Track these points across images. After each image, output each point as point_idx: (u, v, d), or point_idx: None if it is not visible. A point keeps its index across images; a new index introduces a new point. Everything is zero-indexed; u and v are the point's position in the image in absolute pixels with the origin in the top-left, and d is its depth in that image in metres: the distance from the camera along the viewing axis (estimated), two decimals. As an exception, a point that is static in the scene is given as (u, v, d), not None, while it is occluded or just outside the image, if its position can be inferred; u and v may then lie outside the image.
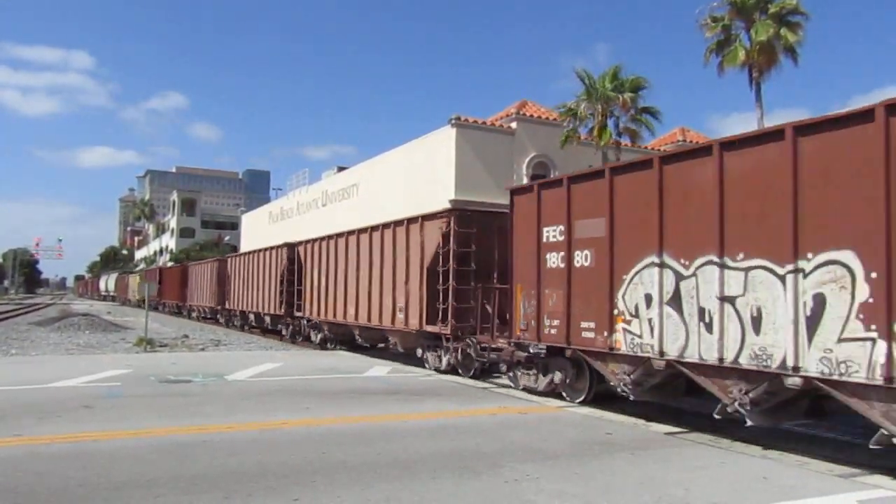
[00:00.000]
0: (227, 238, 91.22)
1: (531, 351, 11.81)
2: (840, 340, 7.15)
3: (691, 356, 8.79)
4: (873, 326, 6.85)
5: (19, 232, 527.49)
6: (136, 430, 8.58)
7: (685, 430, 9.29)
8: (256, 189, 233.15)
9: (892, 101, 6.94)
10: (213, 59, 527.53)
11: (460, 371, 14.85)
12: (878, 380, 6.76)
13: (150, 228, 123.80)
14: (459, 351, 14.67)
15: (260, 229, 50.70)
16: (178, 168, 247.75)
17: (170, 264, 70.10)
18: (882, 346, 6.75)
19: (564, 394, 11.52)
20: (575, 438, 8.64)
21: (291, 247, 25.07)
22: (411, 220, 16.53)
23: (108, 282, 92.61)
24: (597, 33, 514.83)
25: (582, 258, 10.76)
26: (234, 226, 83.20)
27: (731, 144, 8.57)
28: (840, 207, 7.29)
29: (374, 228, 18.46)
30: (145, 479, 6.31)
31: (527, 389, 12.23)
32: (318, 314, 21.99)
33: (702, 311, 8.67)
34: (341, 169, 40.75)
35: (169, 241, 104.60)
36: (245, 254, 32.54)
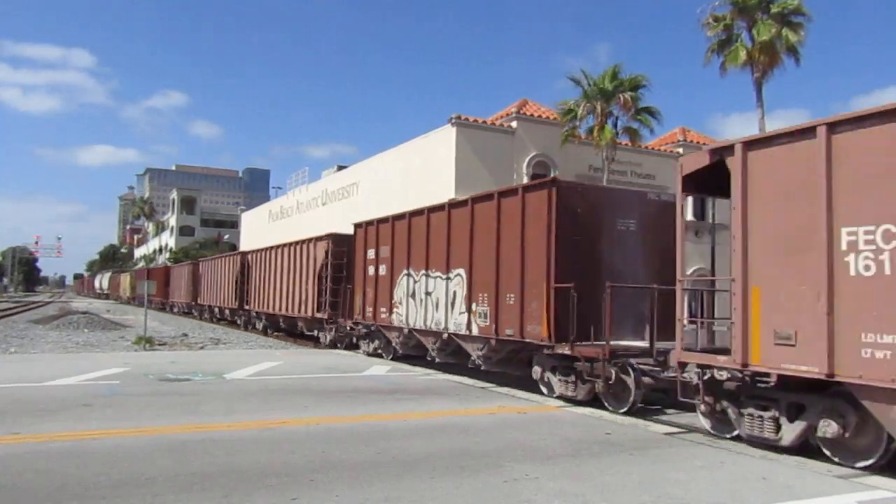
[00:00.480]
0: (226, 237, 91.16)
1: (363, 329, 18.93)
2: (460, 314, 14.15)
3: (415, 324, 16.03)
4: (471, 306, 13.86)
5: (19, 230, 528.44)
6: (135, 428, 8.58)
7: (684, 429, 9.30)
8: (256, 188, 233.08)
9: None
10: (214, 57, 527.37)
11: (338, 344, 21.35)
12: (475, 332, 13.64)
13: (150, 227, 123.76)
14: (335, 329, 21.33)
15: (260, 228, 50.71)
16: (178, 166, 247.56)
17: (171, 263, 70.37)
18: (467, 316, 13.94)
19: (382, 354, 18.20)
20: (574, 438, 8.64)
21: (243, 254, 32.15)
22: (307, 241, 23.83)
23: (102, 280, 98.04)
24: (598, 33, 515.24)
25: (382, 269, 17.65)
26: (234, 224, 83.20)
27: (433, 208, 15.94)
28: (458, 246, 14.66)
29: (294, 244, 25.22)
30: (144, 477, 6.30)
31: (365, 353, 18.98)
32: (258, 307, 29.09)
33: (421, 300, 15.82)
34: (341, 168, 40.75)
35: (168, 240, 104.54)
36: (208, 259, 39.87)
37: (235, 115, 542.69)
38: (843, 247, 7.19)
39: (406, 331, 16.30)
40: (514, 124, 29.18)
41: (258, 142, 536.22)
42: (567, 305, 11.00)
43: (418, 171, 29.78)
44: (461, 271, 14.13)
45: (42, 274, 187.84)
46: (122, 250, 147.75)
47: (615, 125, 28.85)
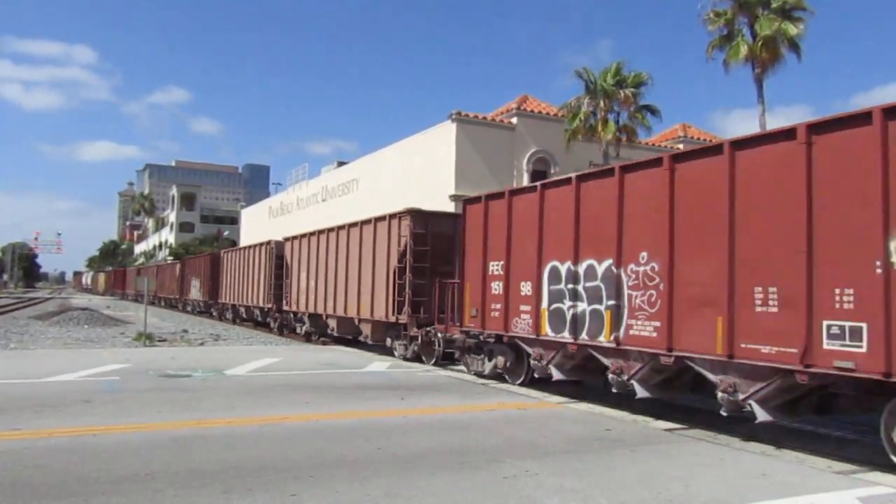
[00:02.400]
0: (226, 233, 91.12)
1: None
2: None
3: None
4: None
5: (19, 226, 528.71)
6: (135, 424, 8.58)
7: (685, 426, 9.29)
8: (256, 184, 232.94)
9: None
10: (216, 54, 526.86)
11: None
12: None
13: (150, 223, 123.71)
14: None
15: (260, 224, 50.69)
16: (178, 162, 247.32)
17: (170, 259, 70.46)
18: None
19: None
20: (574, 434, 8.64)
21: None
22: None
23: (87, 278, 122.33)
24: (600, 30, 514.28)
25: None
26: (234, 220, 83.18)
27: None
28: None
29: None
30: (144, 472, 6.30)
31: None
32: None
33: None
34: (341, 164, 40.72)
35: (168, 236, 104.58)
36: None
37: (237, 111, 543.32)
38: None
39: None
40: (514, 120, 29.14)
41: (260, 138, 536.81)
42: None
43: (418, 167, 29.76)
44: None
45: (42, 270, 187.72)
46: (122, 247, 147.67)
47: (616, 121, 28.84)
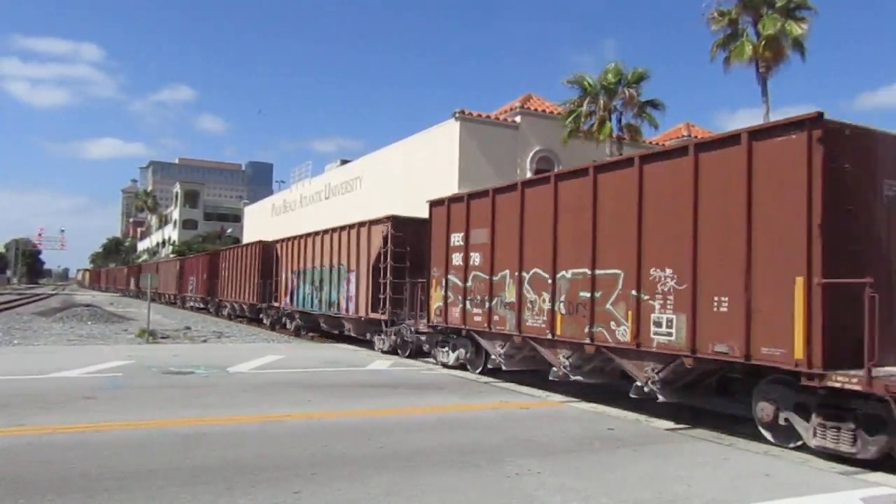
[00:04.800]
0: (229, 230, 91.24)
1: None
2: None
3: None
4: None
5: (24, 222, 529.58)
6: (138, 420, 8.60)
7: (687, 426, 9.28)
8: (259, 181, 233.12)
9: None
10: (221, 52, 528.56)
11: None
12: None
13: (153, 220, 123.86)
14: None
15: (263, 222, 50.70)
16: (181, 159, 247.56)
17: (171, 256, 70.70)
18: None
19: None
20: (576, 433, 8.63)
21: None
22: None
23: (81, 274, 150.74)
24: (604, 29, 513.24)
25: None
26: (237, 218, 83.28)
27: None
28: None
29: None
30: (147, 469, 6.31)
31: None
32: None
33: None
34: (344, 162, 40.70)
35: (171, 233, 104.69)
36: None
37: (242, 109, 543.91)
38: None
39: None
40: (517, 119, 29.11)
41: (265, 136, 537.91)
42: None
43: (421, 165, 29.73)
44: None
45: (45, 266, 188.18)
46: (126, 243, 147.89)
47: (619, 121, 28.79)
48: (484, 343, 13.35)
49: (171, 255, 73.46)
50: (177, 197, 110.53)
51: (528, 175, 28.21)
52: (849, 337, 7.23)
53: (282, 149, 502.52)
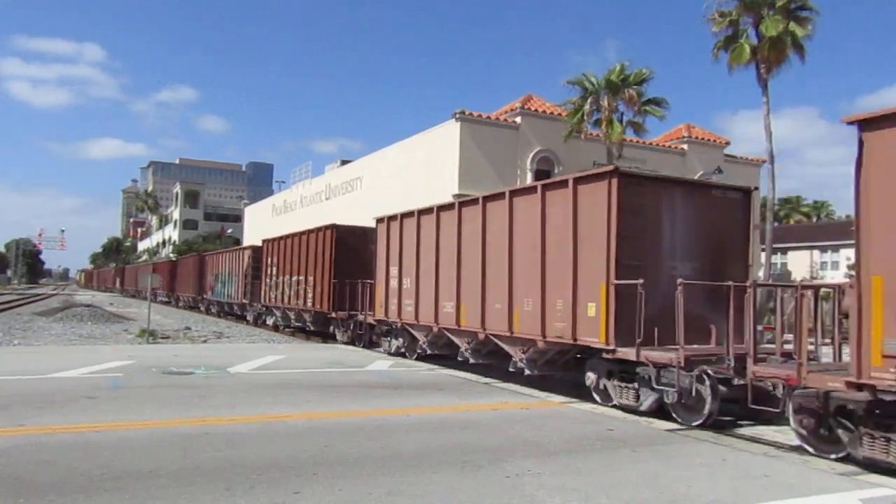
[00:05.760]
0: (230, 230, 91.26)
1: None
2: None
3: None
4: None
5: (25, 223, 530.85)
6: (138, 421, 8.60)
7: (687, 427, 9.28)
8: (260, 181, 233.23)
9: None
10: (223, 53, 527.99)
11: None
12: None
13: (153, 220, 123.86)
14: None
15: (263, 222, 50.71)
16: (182, 160, 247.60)
17: (173, 256, 70.84)
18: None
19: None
20: (576, 434, 8.64)
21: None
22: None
23: (80, 275, 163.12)
24: (606, 30, 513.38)
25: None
26: (238, 218, 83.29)
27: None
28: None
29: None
30: (147, 469, 6.32)
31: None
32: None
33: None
34: (345, 162, 40.71)
35: (172, 233, 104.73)
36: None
37: (244, 110, 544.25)
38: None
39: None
40: (518, 119, 29.12)
41: (266, 136, 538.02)
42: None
43: (422, 166, 29.74)
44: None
45: (46, 266, 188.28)
46: (126, 243, 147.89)
47: (621, 121, 28.77)
48: (415, 334, 16.39)
49: (172, 256, 73.51)
50: (177, 197, 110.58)
51: (529, 175, 28.25)
52: (631, 324, 9.94)
53: (283, 149, 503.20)
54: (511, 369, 12.63)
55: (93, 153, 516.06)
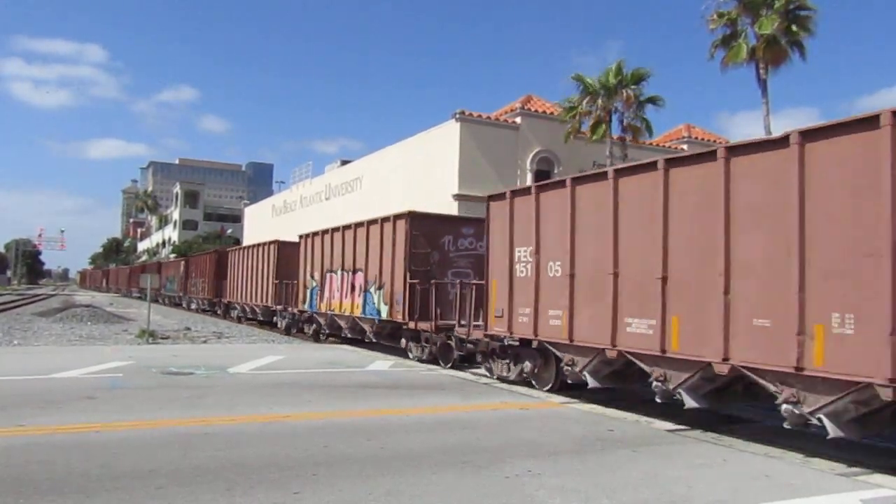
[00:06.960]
0: (229, 231, 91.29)
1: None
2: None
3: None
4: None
5: (25, 223, 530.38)
6: (138, 421, 8.60)
7: (687, 427, 9.28)
8: (260, 182, 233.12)
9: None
10: (225, 53, 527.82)
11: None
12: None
13: (153, 220, 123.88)
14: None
15: (263, 222, 50.74)
16: (181, 160, 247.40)
17: (172, 257, 70.81)
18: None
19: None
20: (577, 434, 8.63)
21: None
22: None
23: (78, 276, 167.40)
24: (607, 30, 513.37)
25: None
26: (237, 218, 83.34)
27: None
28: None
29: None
30: (147, 469, 6.31)
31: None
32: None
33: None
34: (345, 162, 40.72)
35: (171, 234, 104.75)
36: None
37: (244, 110, 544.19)
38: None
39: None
40: (518, 120, 29.13)
41: (267, 137, 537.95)
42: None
43: (422, 166, 29.75)
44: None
45: (45, 267, 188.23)
46: (126, 244, 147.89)
47: (620, 121, 28.78)
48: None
49: (172, 256, 73.51)
50: (177, 197, 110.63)
51: (529, 176, 28.22)
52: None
53: (283, 149, 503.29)
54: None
55: (93, 153, 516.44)
